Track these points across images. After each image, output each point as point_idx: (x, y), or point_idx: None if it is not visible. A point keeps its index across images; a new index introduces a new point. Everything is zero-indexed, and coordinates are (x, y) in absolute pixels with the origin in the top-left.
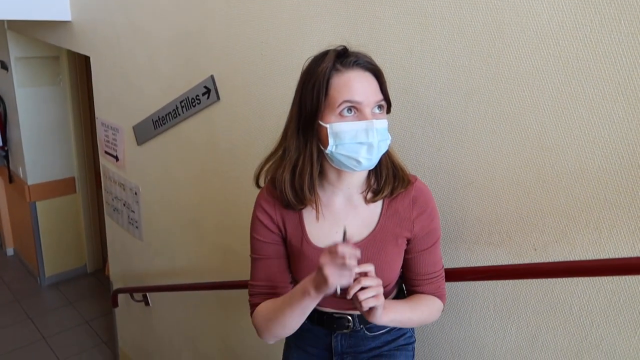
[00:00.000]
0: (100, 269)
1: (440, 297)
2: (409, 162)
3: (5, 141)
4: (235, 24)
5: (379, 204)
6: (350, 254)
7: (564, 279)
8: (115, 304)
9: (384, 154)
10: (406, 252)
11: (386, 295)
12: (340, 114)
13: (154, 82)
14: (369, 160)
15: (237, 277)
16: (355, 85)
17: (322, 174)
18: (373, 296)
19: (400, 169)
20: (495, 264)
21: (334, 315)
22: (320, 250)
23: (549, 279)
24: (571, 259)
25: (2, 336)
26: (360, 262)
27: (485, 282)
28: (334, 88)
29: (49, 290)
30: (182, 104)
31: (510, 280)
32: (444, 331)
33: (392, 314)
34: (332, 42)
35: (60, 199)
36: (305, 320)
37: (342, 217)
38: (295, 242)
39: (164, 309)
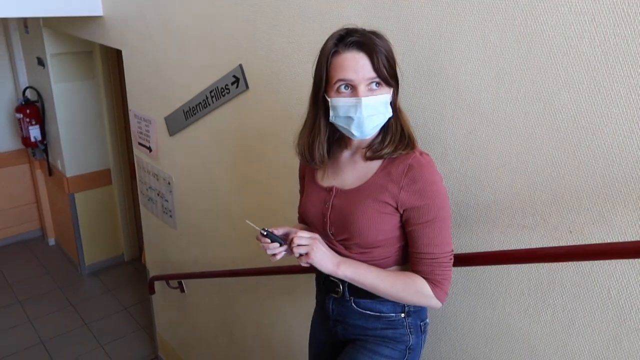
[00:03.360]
0: (137, 257)
1: (433, 282)
2: (438, 146)
3: (44, 135)
4: (261, 11)
5: (379, 162)
6: (261, 239)
7: (601, 261)
8: (152, 291)
9: (387, 122)
10: (405, 224)
11: (382, 264)
12: (338, 90)
13: (184, 73)
14: (361, 132)
15: (269, 264)
16: (347, 65)
17: (340, 135)
18: (300, 245)
19: (408, 135)
20: (529, 246)
21: (330, 278)
22: (318, 187)
23: (585, 262)
24: (609, 241)
25: (47, 322)
26: (340, 209)
27: (520, 265)
28: (332, 67)
29: (89, 278)
30: (212, 93)
31: (546, 264)
32: (476, 316)
33: (349, 270)
34: (359, 24)
35: (97, 191)
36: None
37: (342, 168)
38: (307, 183)
39: (199, 295)
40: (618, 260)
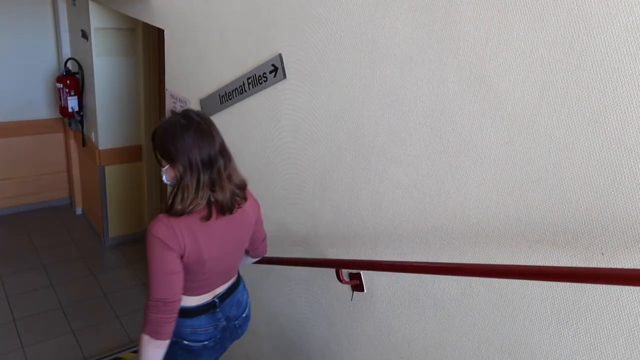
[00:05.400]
0: None
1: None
2: (473, 152)
3: (81, 107)
4: (307, 2)
5: None
6: None
7: (632, 287)
8: None
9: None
10: None
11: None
12: None
13: (223, 58)
14: None
15: (287, 253)
16: None
17: None
18: None
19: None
20: (557, 264)
21: None
22: None
23: (615, 286)
24: None
25: (68, 289)
26: None
27: (545, 282)
28: None
29: (111, 250)
30: (249, 80)
31: (573, 284)
32: (495, 328)
33: None
34: (405, 26)
35: (127, 165)
36: None
37: None
38: None
39: None
40: None
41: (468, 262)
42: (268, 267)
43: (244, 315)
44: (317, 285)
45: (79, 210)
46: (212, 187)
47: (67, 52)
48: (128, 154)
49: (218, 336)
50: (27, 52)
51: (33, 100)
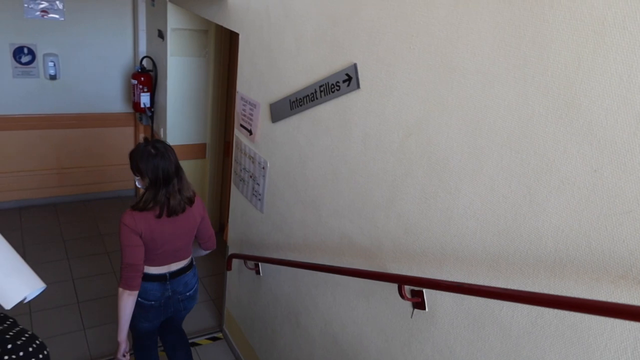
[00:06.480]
0: (217, 231)
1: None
2: (554, 178)
3: (152, 103)
4: (386, 14)
5: None
6: None
7: None
8: (229, 267)
9: None
10: None
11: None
12: None
13: (296, 64)
14: None
15: (347, 263)
16: None
17: None
18: None
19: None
20: None
21: None
22: None
23: None
24: None
25: None
26: None
27: (627, 322)
28: None
29: None
30: (322, 88)
31: None
32: None
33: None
34: (489, 44)
35: (191, 162)
36: None
37: None
38: None
39: (273, 280)
40: None
41: (541, 291)
42: (326, 275)
43: (188, 294)
44: (376, 299)
45: None
46: (167, 196)
47: (142, 50)
48: (193, 151)
49: (162, 302)
50: (106, 49)
51: (108, 94)
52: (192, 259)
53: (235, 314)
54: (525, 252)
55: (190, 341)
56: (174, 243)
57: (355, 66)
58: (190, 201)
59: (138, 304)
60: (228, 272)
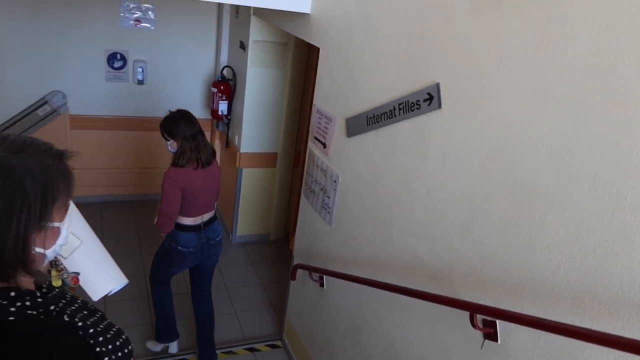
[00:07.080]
0: (282, 239)
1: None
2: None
3: (229, 111)
4: (475, 33)
5: None
6: None
7: None
8: (293, 277)
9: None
10: None
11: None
12: None
13: (376, 80)
14: None
15: (417, 285)
16: None
17: None
18: None
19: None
20: None
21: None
22: None
23: None
24: None
25: None
26: None
27: None
28: None
29: (236, 247)
30: (401, 106)
31: None
32: None
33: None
34: (585, 68)
35: (262, 170)
36: None
37: None
38: None
39: (337, 294)
40: None
41: (632, 337)
42: (393, 294)
43: (217, 239)
44: (445, 325)
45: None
46: (198, 150)
47: (224, 60)
48: (265, 160)
49: (199, 247)
50: (191, 57)
51: (189, 100)
52: (216, 208)
53: (296, 323)
54: (616, 292)
55: (249, 346)
56: (207, 194)
57: (437, 85)
58: (214, 153)
59: (179, 252)
60: (292, 282)
